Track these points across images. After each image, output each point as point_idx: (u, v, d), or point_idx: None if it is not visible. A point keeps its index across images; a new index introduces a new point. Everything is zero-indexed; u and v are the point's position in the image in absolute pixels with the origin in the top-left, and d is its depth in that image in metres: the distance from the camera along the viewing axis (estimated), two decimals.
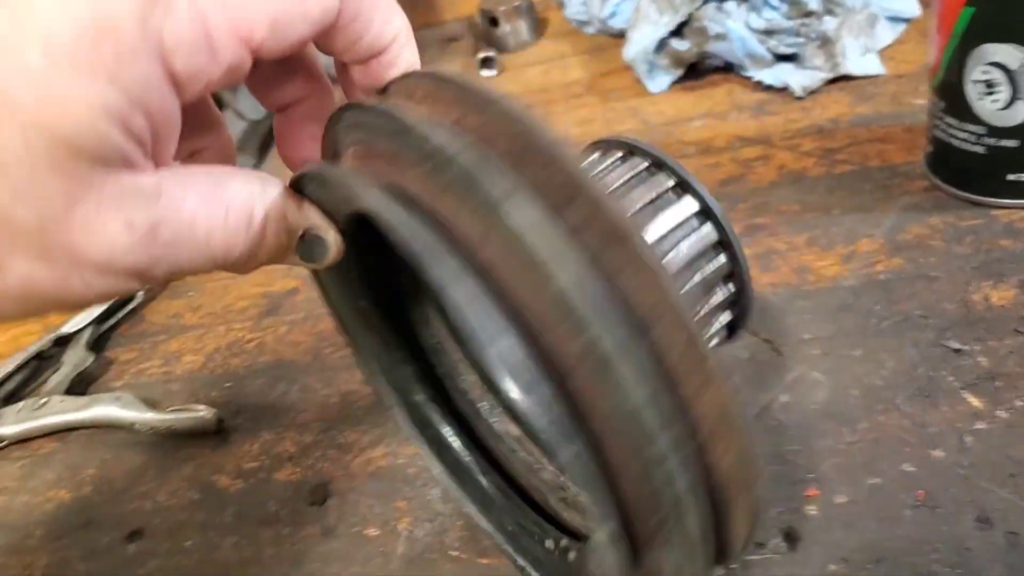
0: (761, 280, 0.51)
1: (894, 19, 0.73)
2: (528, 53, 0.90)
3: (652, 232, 0.32)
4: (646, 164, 0.34)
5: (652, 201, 0.33)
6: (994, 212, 0.51)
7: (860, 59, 0.67)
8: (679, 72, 0.74)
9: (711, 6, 0.71)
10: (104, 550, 0.48)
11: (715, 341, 0.36)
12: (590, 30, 0.87)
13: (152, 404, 0.55)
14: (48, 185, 0.21)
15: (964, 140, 0.51)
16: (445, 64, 0.93)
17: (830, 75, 0.67)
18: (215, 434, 0.53)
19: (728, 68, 0.73)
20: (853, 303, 0.47)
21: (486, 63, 0.86)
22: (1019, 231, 0.49)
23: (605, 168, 0.34)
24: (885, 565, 0.34)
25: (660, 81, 0.73)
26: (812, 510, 0.37)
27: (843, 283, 0.49)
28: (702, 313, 0.34)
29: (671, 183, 0.33)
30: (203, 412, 0.52)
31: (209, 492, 0.49)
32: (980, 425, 0.39)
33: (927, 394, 0.41)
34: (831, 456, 0.39)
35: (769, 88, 0.70)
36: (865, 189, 0.56)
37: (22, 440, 0.58)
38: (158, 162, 0.24)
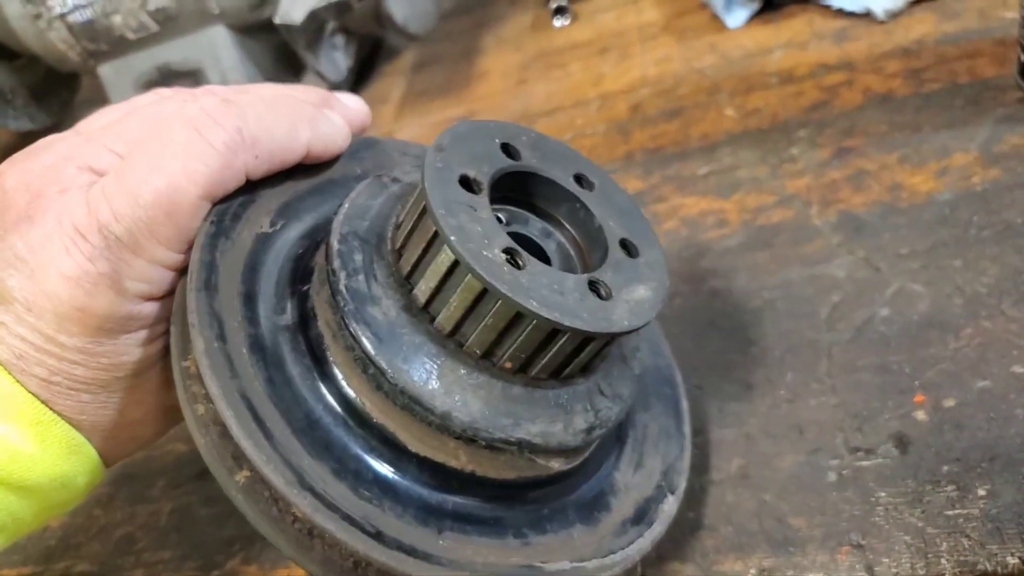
0: (853, 200, 0.51)
1: None
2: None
3: None
4: None
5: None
6: None
7: None
8: (756, 5, 0.73)
9: None
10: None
11: None
12: None
13: None
14: None
15: None
16: (514, 17, 0.93)
17: None
18: None
19: None
20: (949, 216, 0.47)
21: (559, 12, 0.87)
22: None
23: None
24: (999, 463, 0.35)
25: (737, 16, 0.73)
26: (920, 415, 0.38)
27: (938, 197, 0.48)
28: None
29: None
30: None
31: None
32: None
33: None
34: (936, 363, 0.40)
35: (850, 15, 0.68)
36: (956, 105, 0.55)
37: None
38: None
